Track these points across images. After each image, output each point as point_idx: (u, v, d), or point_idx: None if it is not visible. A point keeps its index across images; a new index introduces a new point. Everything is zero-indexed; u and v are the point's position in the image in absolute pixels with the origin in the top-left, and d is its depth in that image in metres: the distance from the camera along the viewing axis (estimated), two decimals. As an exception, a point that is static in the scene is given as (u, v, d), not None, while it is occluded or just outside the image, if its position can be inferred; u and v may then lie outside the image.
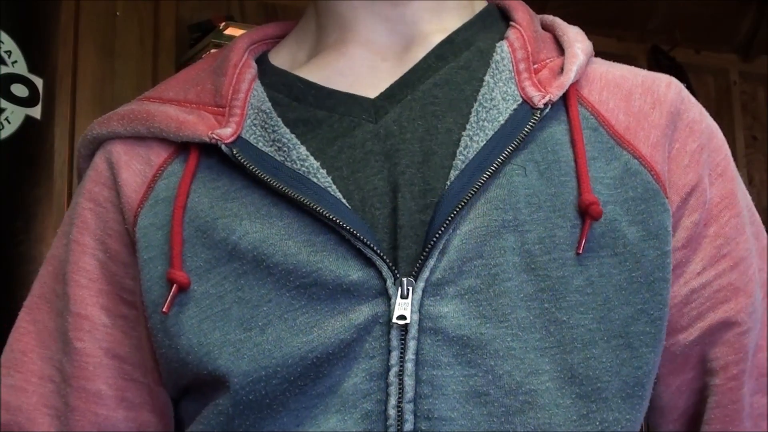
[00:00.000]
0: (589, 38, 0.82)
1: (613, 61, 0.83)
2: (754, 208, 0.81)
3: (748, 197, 0.82)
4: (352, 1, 0.80)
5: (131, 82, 2.44)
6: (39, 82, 1.62)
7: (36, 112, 1.62)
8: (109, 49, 2.45)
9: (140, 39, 2.50)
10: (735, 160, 0.81)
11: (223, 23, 2.45)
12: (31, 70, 1.61)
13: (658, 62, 3.25)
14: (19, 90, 1.59)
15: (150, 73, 2.48)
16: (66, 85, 2.33)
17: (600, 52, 0.83)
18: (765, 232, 0.82)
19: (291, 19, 0.88)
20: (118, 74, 2.44)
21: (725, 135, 0.83)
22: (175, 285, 0.72)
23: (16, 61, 1.59)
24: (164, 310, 0.72)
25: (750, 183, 3.46)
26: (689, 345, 0.76)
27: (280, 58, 0.83)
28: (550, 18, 0.84)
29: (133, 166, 0.78)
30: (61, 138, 2.25)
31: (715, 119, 0.82)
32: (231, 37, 2.41)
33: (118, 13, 2.48)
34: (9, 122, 1.57)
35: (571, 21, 0.84)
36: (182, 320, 0.73)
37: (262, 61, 0.83)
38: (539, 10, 0.84)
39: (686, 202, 0.76)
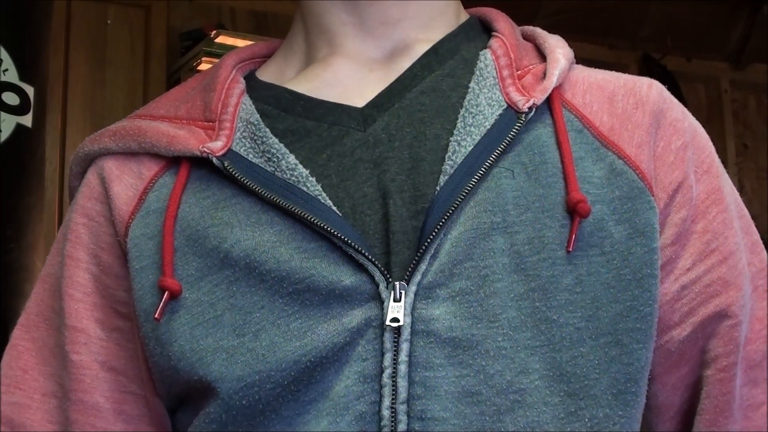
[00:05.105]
0: (580, 46, 0.83)
1: (604, 69, 0.84)
2: (742, 203, 0.82)
3: (736, 192, 0.83)
4: (342, 18, 0.81)
5: (122, 90, 2.43)
6: (30, 91, 1.63)
7: (27, 120, 1.62)
8: (100, 57, 2.45)
9: (131, 47, 2.50)
10: (726, 168, 0.83)
11: (214, 31, 2.45)
12: (22, 78, 1.61)
13: (649, 70, 3.26)
14: (10, 98, 1.59)
15: (141, 81, 2.48)
16: (57, 93, 2.33)
17: (591, 60, 0.84)
18: (755, 227, 0.82)
19: (281, 27, 0.89)
20: (109, 82, 2.44)
21: (716, 143, 0.84)
22: (166, 292, 0.73)
23: (7, 70, 1.59)
24: (156, 316, 0.72)
25: (741, 191, 3.47)
26: (683, 341, 0.77)
27: (267, 75, 0.84)
28: (530, 29, 0.86)
29: (125, 180, 0.79)
30: (52, 146, 2.25)
31: (705, 127, 0.83)
32: (222, 45, 2.42)
33: (109, 22, 2.48)
34: (0, 130, 1.57)
35: (562, 29, 0.85)
36: (174, 327, 0.73)
37: (251, 78, 0.84)
38: (531, 17, 0.85)
39: (673, 198, 0.77)
